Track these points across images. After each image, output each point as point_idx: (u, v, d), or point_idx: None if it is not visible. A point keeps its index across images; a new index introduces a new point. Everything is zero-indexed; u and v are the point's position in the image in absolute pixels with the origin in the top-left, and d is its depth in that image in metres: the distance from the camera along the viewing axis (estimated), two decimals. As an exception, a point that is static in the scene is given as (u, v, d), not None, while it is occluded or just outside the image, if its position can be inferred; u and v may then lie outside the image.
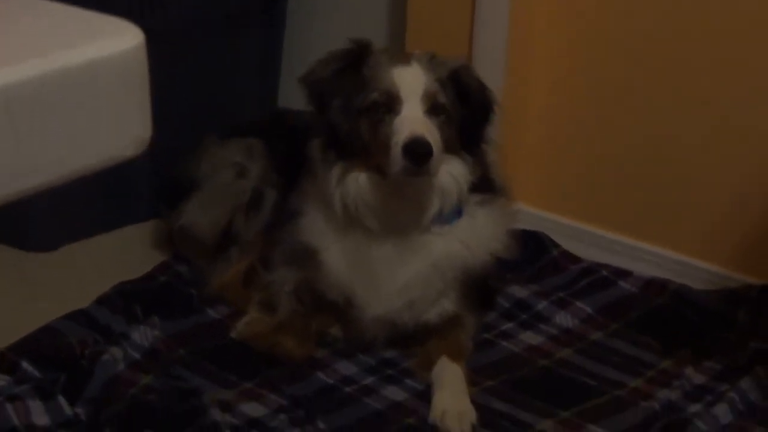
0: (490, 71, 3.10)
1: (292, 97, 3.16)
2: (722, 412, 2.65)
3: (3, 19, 0.86)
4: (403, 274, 2.77)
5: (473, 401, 2.66)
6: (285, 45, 3.87)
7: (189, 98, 3.56)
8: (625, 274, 3.23)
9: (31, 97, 0.80)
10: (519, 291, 3.14)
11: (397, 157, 2.54)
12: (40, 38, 0.85)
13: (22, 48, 0.83)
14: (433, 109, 2.64)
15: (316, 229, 2.82)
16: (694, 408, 2.69)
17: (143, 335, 2.83)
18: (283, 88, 3.85)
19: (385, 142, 2.59)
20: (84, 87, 0.83)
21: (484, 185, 2.83)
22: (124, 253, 3.38)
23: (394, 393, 2.73)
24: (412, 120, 2.59)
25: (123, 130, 0.85)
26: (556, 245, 3.35)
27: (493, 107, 2.80)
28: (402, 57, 2.73)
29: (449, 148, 2.69)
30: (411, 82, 2.64)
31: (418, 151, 2.53)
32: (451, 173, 2.72)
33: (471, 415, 2.61)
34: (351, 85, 2.69)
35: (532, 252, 3.29)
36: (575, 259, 3.31)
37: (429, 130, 2.58)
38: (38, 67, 0.80)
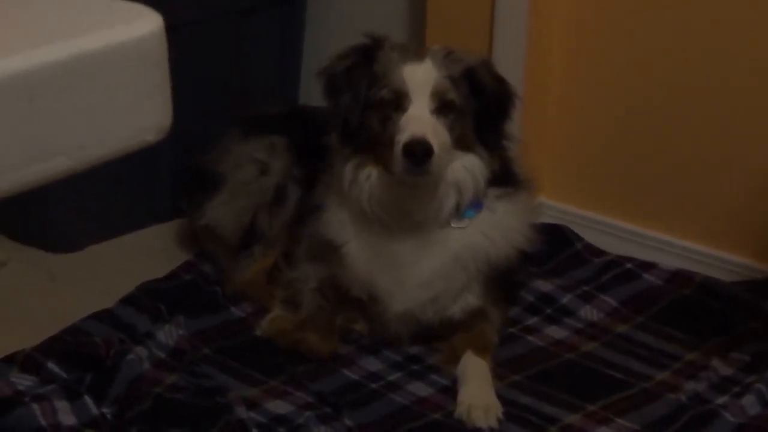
0: (510, 65, 3.10)
1: (314, 94, 3.17)
2: (750, 403, 2.64)
3: (24, 4, 0.86)
4: (425, 268, 2.77)
5: (499, 395, 2.65)
6: (307, 40, 3.88)
7: (210, 94, 3.57)
8: (649, 266, 3.22)
9: (52, 82, 0.79)
10: (543, 285, 3.13)
11: (398, 157, 2.56)
12: (60, 23, 0.85)
13: (42, 33, 0.82)
14: (442, 107, 2.64)
15: (337, 223, 2.83)
16: (721, 399, 2.67)
17: (168, 334, 2.84)
18: (304, 84, 3.85)
19: (391, 139, 2.60)
20: (103, 72, 0.83)
21: (506, 179, 2.83)
22: (148, 253, 3.38)
23: (420, 388, 2.73)
24: (417, 119, 2.60)
25: (143, 115, 0.85)
26: (580, 238, 3.34)
27: (512, 102, 2.79)
28: (416, 53, 2.73)
29: (463, 145, 2.70)
30: (420, 80, 2.64)
31: (417, 152, 2.54)
32: (466, 168, 2.72)
33: (497, 409, 2.60)
34: (363, 81, 2.70)
35: (556, 246, 3.27)
36: (599, 252, 3.30)
37: (433, 130, 2.59)
38: (58, 52, 0.80)
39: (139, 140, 0.84)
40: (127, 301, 2.96)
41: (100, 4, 0.87)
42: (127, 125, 0.85)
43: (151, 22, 0.86)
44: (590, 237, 3.35)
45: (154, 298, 2.97)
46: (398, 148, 2.57)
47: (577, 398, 2.68)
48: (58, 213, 3.33)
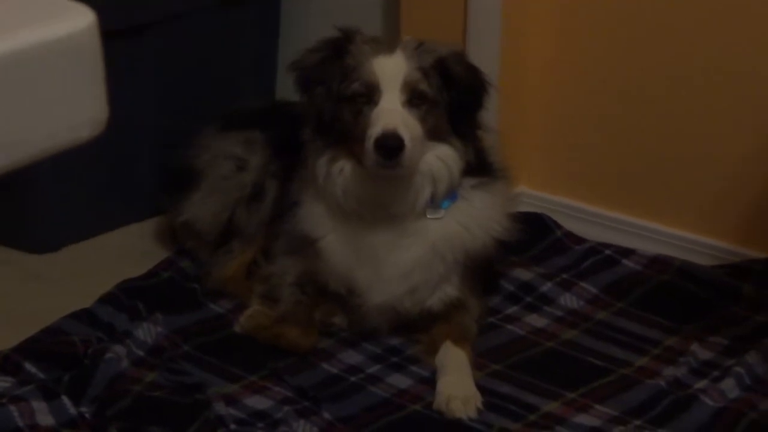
0: (485, 55, 3.10)
1: (292, 89, 3.16)
2: (729, 386, 2.64)
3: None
4: (402, 259, 2.77)
5: (479, 385, 2.65)
6: (283, 35, 3.87)
7: (187, 89, 3.57)
8: (629, 252, 3.23)
9: (-22, 79, 0.79)
10: (523, 273, 3.13)
11: (370, 151, 2.56)
12: (-11, 21, 0.84)
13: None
14: (413, 98, 2.64)
15: (314, 217, 2.83)
16: (701, 384, 2.68)
17: (146, 332, 2.83)
18: (281, 79, 3.84)
19: (363, 133, 2.60)
20: (35, 68, 0.83)
21: (481, 169, 2.82)
22: (127, 251, 3.38)
23: (400, 380, 2.72)
24: (388, 112, 2.60)
25: (77, 111, 0.84)
26: (560, 226, 3.34)
27: (485, 92, 2.78)
28: (387, 46, 2.72)
29: (436, 136, 2.70)
30: (391, 72, 2.64)
31: (388, 146, 2.54)
32: (440, 159, 2.72)
33: (476, 399, 2.60)
34: (335, 74, 2.69)
35: (536, 234, 3.27)
36: (579, 240, 3.30)
37: (405, 123, 2.59)
38: (-14, 49, 0.80)
39: (73, 136, 0.83)
40: (106, 299, 2.95)
41: (31, 0, 0.87)
42: (60, 122, 0.84)
43: (83, 18, 0.85)
44: (570, 225, 3.36)
45: (132, 297, 2.97)
46: (370, 143, 2.57)
47: (557, 386, 2.69)
48: (37, 213, 3.32)
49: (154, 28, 3.41)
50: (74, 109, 0.85)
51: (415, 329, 2.86)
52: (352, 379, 2.72)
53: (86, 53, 0.85)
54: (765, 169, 3.07)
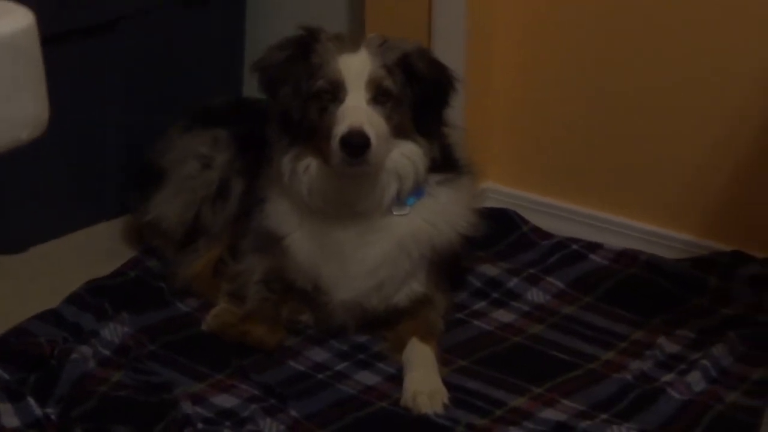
0: (450, 52, 3.11)
1: (258, 86, 3.16)
2: (695, 379, 2.65)
3: None
4: (368, 255, 2.77)
5: (446, 381, 2.65)
6: (249, 32, 3.86)
7: (153, 87, 3.56)
8: (596, 247, 3.24)
9: None
10: (490, 269, 3.14)
11: (335, 150, 2.56)
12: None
13: None
14: (378, 96, 2.64)
15: (279, 215, 2.82)
16: (668, 377, 2.68)
17: (113, 332, 2.82)
18: (248, 76, 3.83)
19: (329, 131, 2.60)
20: (-28, 70, 0.82)
21: (447, 165, 2.83)
22: (94, 251, 3.37)
23: (366, 377, 2.72)
24: (353, 110, 2.60)
25: (16, 112, 0.84)
26: (526, 222, 3.35)
27: (451, 88, 2.78)
28: (351, 43, 2.71)
29: (401, 133, 2.70)
30: (356, 70, 2.64)
31: (354, 144, 2.54)
32: (406, 156, 2.72)
33: (443, 394, 2.59)
34: (300, 72, 2.69)
35: (502, 229, 3.28)
36: (546, 235, 3.31)
37: (370, 121, 2.59)
38: None
39: (12, 137, 0.83)
40: (72, 300, 2.94)
41: (-31, 2, 0.86)
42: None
43: (20, 19, 0.84)
44: (537, 220, 3.36)
45: (98, 296, 2.95)
46: (335, 141, 2.57)
47: (524, 381, 2.68)
48: (2, 213, 3.30)
49: (119, 26, 3.40)
50: (13, 110, 0.84)
51: (381, 326, 2.86)
52: (319, 376, 2.72)
53: (25, 53, 0.84)
54: (729, 162, 3.08)
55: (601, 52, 3.21)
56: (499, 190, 3.43)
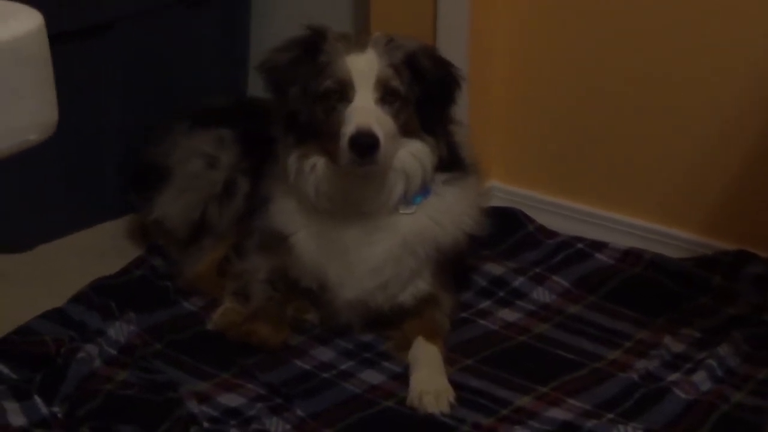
0: (454, 50, 3.10)
1: (263, 86, 3.16)
2: (701, 379, 2.65)
3: None
4: (373, 254, 2.77)
5: (451, 380, 2.65)
6: (253, 31, 3.86)
7: (157, 87, 3.55)
8: (601, 246, 3.23)
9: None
10: (495, 268, 3.14)
11: (344, 150, 2.56)
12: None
13: None
14: (386, 96, 2.64)
15: (285, 214, 2.82)
16: (673, 377, 2.68)
17: (119, 331, 2.82)
18: (252, 76, 3.84)
19: (337, 131, 2.60)
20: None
21: (453, 164, 2.83)
22: (99, 250, 3.36)
23: (372, 376, 2.72)
24: (362, 110, 2.60)
25: (25, 114, 0.84)
26: (532, 221, 3.35)
27: (457, 86, 2.78)
28: (358, 43, 2.72)
29: (409, 132, 2.70)
30: (364, 70, 2.64)
31: (363, 144, 2.54)
32: (413, 155, 2.72)
33: (449, 394, 2.59)
34: (307, 73, 2.69)
35: (508, 228, 3.28)
36: (551, 234, 3.31)
37: (379, 120, 2.59)
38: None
39: (21, 140, 0.83)
40: (78, 299, 2.95)
41: (-22, 4, 0.86)
42: (8, 125, 0.83)
43: (29, 21, 0.84)
44: (542, 219, 3.36)
45: (104, 295, 2.96)
46: (344, 141, 2.56)
47: (530, 380, 2.68)
48: (7, 212, 3.30)
49: (121, 25, 3.40)
50: (22, 112, 0.84)
51: (387, 325, 2.86)
52: (325, 375, 2.72)
53: (34, 56, 0.84)
54: (734, 161, 3.08)
55: (605, 51, 3.20)
56: (505, 189, 3.43)
